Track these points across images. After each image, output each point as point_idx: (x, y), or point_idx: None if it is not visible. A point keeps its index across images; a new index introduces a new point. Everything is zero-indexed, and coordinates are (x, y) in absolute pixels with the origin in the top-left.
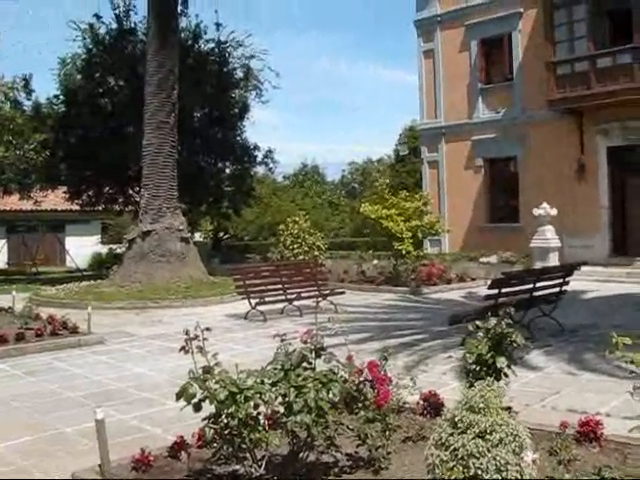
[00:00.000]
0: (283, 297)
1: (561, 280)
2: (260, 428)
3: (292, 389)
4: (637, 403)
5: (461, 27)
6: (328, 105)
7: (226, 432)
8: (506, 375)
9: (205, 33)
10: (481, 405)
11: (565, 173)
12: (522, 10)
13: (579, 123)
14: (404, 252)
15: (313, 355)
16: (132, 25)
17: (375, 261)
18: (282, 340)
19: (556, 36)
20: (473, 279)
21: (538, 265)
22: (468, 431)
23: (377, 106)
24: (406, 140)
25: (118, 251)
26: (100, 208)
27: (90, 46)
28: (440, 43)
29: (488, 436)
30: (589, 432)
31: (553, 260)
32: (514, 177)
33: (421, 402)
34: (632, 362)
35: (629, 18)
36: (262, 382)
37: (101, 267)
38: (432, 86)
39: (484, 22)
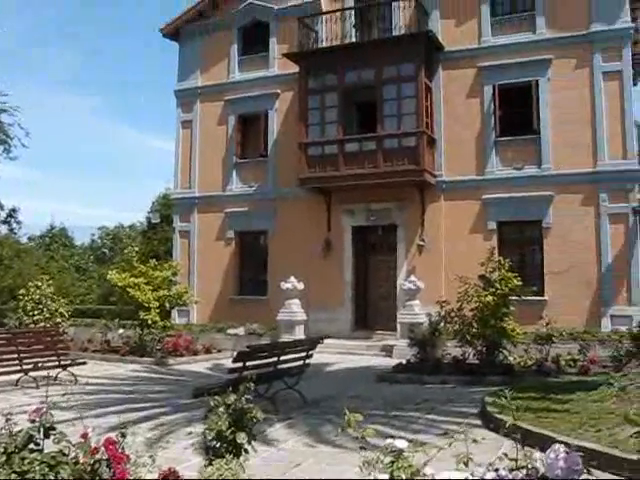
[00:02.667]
0: (19, 367)
1: (305, 353)
2: None
3: (14, 475)
4: (367, 475)
5: (221, 101)
6: (83, 166)
7: None
8: (246, 451)
9: None
10: None
11: (313, 249)
12: (279, 91)
13: (327, 202)
14: (150, 322)
15: (41, 435)
16: None
17: (121, 330)
18: (7, 420)
19: (309, 119)
20: (220, 351)
21: (285, 337)
22: None
23: (134, 171)
24: (158, 208)
25: None
26: None
27: None
28: (199, 115)
29: None
30: None
31: (299, 333)
32: (264, 250)
33: None
34: (363, 437)
35: (374, 110)
36: None
37: None
38: (188, 156)
39: (243, 99)
